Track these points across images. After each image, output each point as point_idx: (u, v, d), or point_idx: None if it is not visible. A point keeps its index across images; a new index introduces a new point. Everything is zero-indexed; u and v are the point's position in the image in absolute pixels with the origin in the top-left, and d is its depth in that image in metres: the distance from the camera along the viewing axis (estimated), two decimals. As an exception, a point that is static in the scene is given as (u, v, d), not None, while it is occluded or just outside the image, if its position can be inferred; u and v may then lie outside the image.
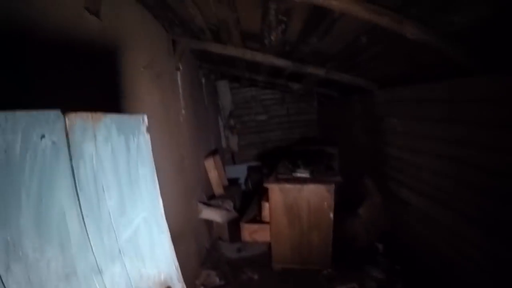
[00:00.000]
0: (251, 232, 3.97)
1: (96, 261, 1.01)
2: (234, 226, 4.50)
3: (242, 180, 7.45)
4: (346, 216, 4.41)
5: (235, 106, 7.48)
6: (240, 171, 7.54)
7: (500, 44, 1.90)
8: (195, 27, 3.26)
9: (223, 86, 7.15)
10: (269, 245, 3.94)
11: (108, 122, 1.15)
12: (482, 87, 2.17)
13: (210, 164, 4.97)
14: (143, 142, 1.41)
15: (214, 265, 4.05)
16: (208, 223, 4.37)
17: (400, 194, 3.67)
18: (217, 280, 3.71)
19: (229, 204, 4.64)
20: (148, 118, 1.48)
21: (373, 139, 4.29)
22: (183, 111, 3.91)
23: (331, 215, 3.52)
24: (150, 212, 1.41)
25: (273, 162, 5.10)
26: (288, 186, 3.54)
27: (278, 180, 3.63)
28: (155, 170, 1.47)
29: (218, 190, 5.14)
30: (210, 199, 4.75)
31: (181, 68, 3.89)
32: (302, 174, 3.73)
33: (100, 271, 1.02)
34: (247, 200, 5.70)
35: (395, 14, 1.93)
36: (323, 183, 3.48)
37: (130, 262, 1.23)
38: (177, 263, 1.54)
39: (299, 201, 3.56)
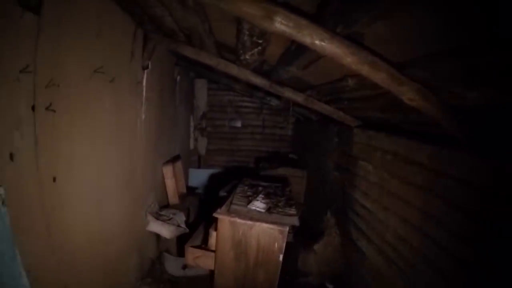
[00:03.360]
0: (195, 257, 3.63)
1: None
2: (183, 241, 4.13)
3: (204, 185, 7.06)
4: (301, 249, 4.17)
5: (210, 108, 7.11)
6: (204, 176, 7.14)
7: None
8: (166, 28, 2.89)
9: (201, 86, 6.81)
10: (213, 271, 3.62)
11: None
12: (473, 170, 1.85)
13: (168, 172, 4.60)
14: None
15: (155, 282, 3.73)
16: (157, 234, 4.03)
17: (359, 243, 3.42)
18: (154, 301, 3.39)
19: (181, 218, 4.29)
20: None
21: (343, 177, 4.00)
22: (143, 116, 3.52)
23: (281, 257, 3.22)
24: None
25: (234, 179, 4.83)
26: (239, 221, 3.21)
27: (229, 213, 3.30)
28: (15, 245, 1.24)
29: (173, 199, 4.78)
30: (163, 209, 4.38)
31: (150, 67, 3.50)
32: (258, 208, 3.40)
33: None
34: (203, 212, 5.34)
35: (396, 73, 1.59)
36: (276, 224, 3.16)
37: None
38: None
39: (248, 237, 3.23)
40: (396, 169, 2.78)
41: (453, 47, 1.32)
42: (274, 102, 5.48)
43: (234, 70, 3.36)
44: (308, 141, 6.07)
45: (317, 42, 1.45)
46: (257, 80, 3.48)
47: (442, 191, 2.12)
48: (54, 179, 1.96)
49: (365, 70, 1.59)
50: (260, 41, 2.12)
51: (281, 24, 1.36)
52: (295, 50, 2.12)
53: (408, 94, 1.67)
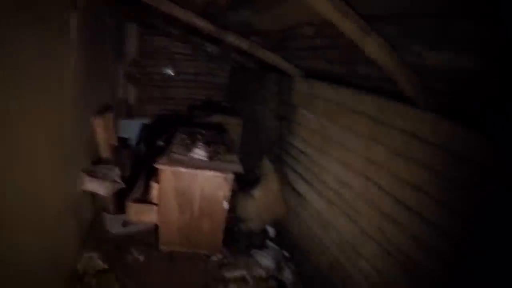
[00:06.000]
0: (137, 212, 3.51)
1: None
2: (120, 197, 3.95)
3: (137, 136, 6.72)
4: (240, 195, 4.24)
5: (142, 54, 6.63)
6: (136, 126, 6.76)
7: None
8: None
9: (132, 31, 6.28)
10: (156, 225, 3.58)
11: None
12: (418, 122, 1.97)
13: (99, 124, 4.21)
14: None
15: (97, 243, 3.56)
16: (92, 193, 3.77)
17: (297, 186, 3.60)
18: (100, 264, 3.26)
19: (116, 173, 4.04)
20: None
21: (281, 125, 4.10)
22: (72, 63, 3.12)
23: (226, 204, 3.29)
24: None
25: (170, 128, 4.66)
26: (181, 170, 3.17)
27: (171, 162, 3.21)
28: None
29: (105, 153, 4.44)
30: (96, 164, 4.07)
31: (80, 6, 3.07)
32: (200, 155, 3.35)
33: None
34: (138, 166, 5.12)
35: (364, 24, 1.58)
36: (221, 171, 3.18)
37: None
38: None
39: (192, 187, 3.22)
40: (338, 117, 2.88)
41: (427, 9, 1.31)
42: (212, 48, 5.25)
43: (176, 10, 3.11)
44: (245, 90, 6.02)
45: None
46: (201, 23, 3.26)
47: (385, 140, 2.25)
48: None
49: (335, 18, 1.56)
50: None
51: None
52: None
53: (370, 47, 1.68)
